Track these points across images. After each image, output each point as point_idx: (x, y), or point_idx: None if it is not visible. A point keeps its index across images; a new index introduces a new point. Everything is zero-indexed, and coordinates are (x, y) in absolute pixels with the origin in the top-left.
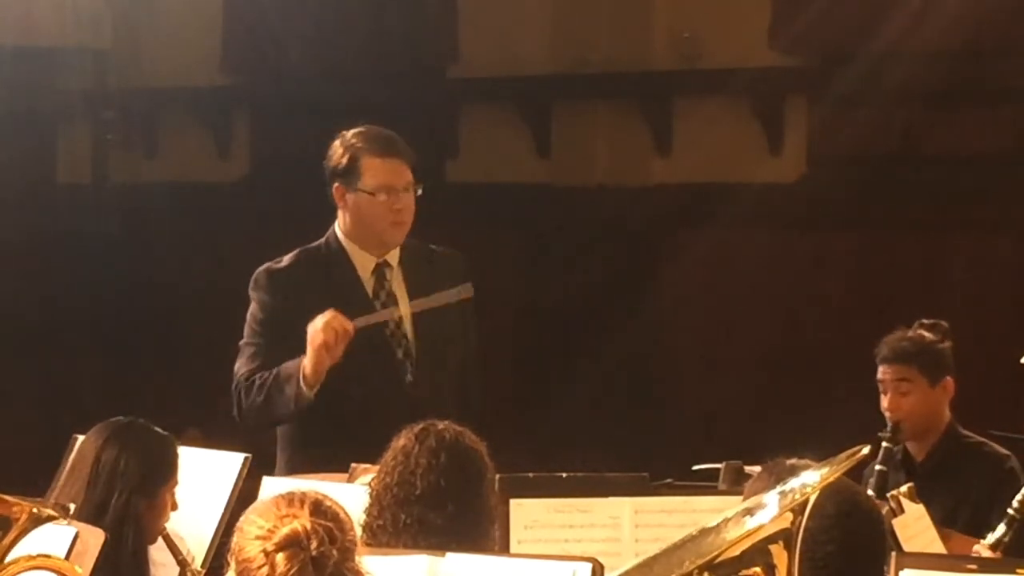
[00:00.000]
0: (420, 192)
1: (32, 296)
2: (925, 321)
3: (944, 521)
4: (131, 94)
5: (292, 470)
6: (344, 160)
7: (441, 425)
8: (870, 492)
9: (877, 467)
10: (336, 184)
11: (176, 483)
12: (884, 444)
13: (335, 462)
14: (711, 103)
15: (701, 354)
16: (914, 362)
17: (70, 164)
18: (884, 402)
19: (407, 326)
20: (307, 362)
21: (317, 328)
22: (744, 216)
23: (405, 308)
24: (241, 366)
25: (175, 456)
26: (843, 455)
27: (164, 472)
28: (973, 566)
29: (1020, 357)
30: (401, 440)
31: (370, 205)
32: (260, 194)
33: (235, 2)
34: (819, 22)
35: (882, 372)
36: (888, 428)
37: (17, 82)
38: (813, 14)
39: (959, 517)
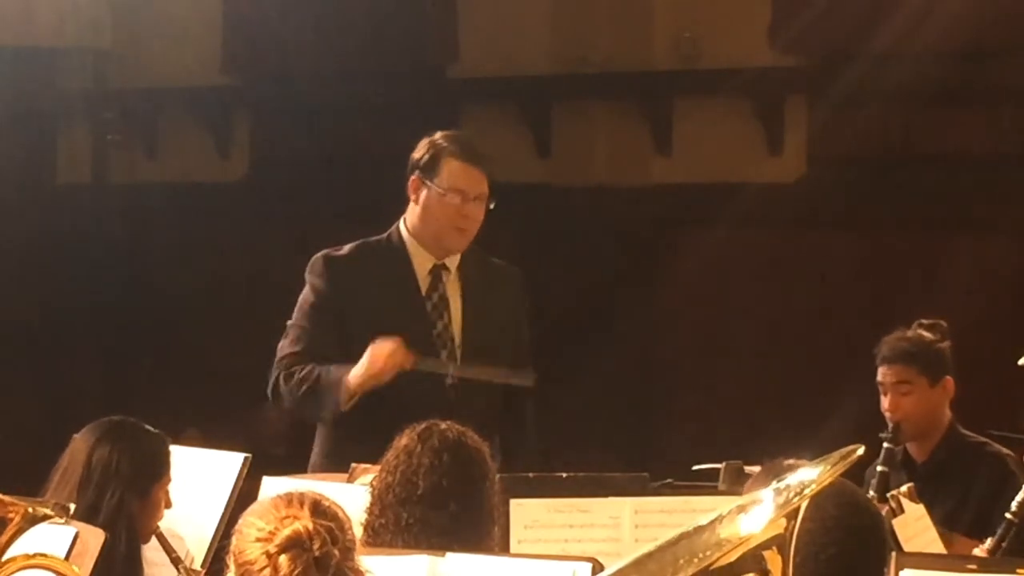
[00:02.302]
0: (492, 206)
1: (32, 297)
2: (924, 321)
3: (946, 522)
4: (131, 94)
5: (327, 467)
6: (427, 155)
7: (444, 425)
8: (871, 493)
9: (879, 468)
10: (414, 176)
11: (169, 481)
12: (885, 445)
13: (371, 460)
14: (711, 103)
15: (701, 354)
16: (914, 362)
17: (70, 164)
18: (884, 403)
19: (455, 328)
20: (355, 378)
21: (381, 354)
22: (744, 216)
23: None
24: (284, 347)
25: (167, 454)
26: (837, 454)
27: (156, 470)
28: (973, 566)
29: (1020, 357)
30: (403, 439)
31: (439, 204)
32: (260, 194)
33: (235, 2)
34: (819, 22)
35: (882, 373)
36: (889, 429)
37: (17, 82)
38: (813, 14)
39: (962, 518)
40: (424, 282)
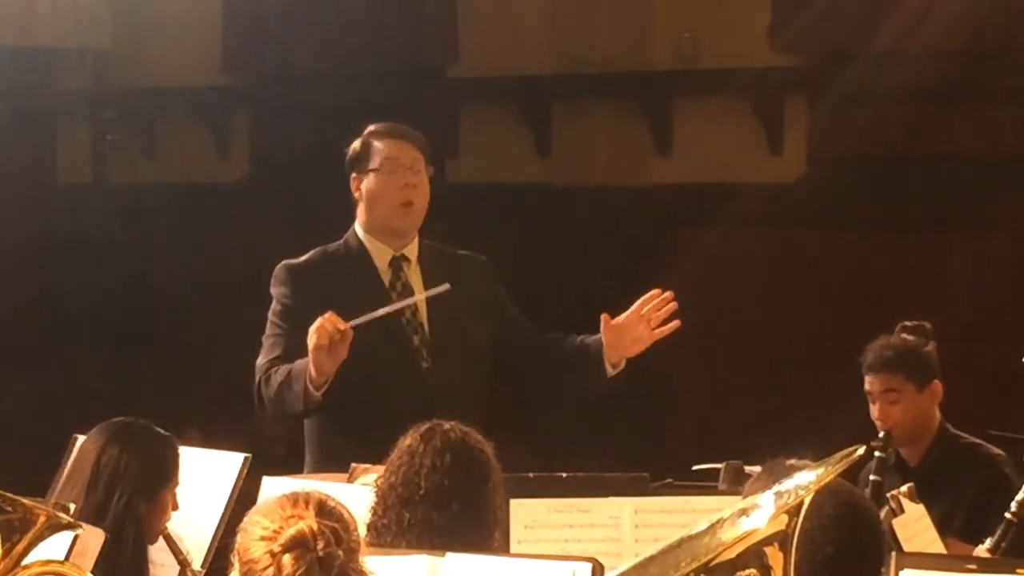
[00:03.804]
0: (431, 174)
1: (32, 296)
2: (907, 324)
3: (941, 524)
4: (131, 94)
5: (320, 467)
6: (358, 148)
7: (447, 425)
8: None
9: (871, 478)
10: (353, 175)
11: (177, 483)
12: (876, 454)
13: (360, 454)
14: (711, 103)
15: (701, 354)
16: (900, 370)
17: (70, 164)
18: (873, 411)
19: (422, 314)
20: (309, 364)
21: (312, 331)
22: (744, 216)
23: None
24: (261, 359)
25: (176, 457)
26: (838, 455)
27: (165, 473)
28: (973, 566)
29: (1020, 357)
30: (407, 440)
31: (378, 183)
32: (260, 194)
33: (235, 2)
34: (819, 22)
35: (869, 382)
36: (879, 437)
37: (17, 82)
38: (813, 14)
39: (955, 520)
40: (386, 275)
